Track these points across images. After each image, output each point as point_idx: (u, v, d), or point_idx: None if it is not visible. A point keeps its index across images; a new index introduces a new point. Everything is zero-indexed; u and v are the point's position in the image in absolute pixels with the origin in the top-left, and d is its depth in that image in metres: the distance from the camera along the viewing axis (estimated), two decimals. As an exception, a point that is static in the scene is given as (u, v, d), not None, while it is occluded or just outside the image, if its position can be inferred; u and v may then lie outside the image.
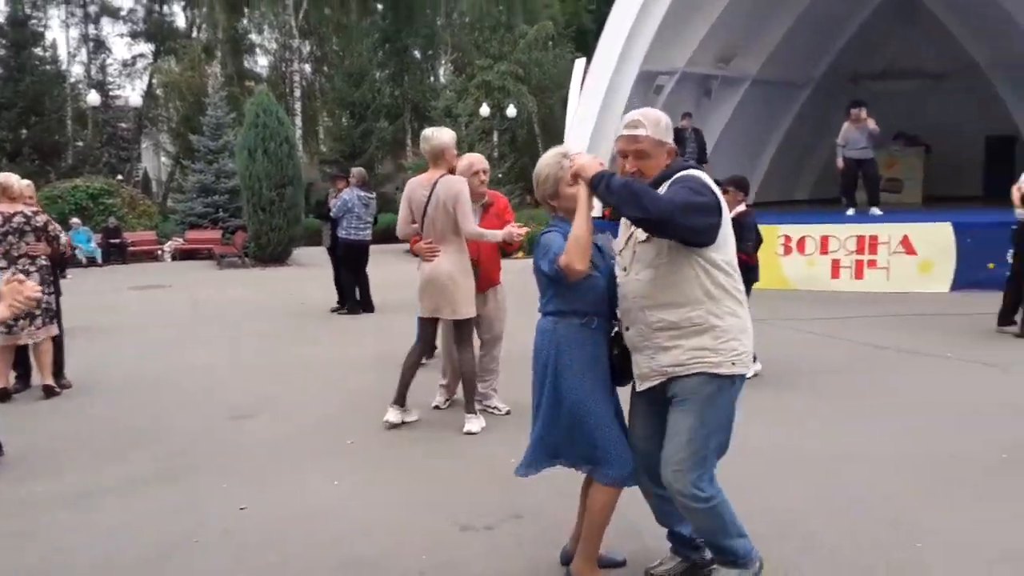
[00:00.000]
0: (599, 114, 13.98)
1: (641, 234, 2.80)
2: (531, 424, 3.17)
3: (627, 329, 2.92)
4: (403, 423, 5.35)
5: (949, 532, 3.55)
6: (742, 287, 2.84)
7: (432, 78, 36.81)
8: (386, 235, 20.99)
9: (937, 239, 10.33)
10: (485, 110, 26.95)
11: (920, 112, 16.10)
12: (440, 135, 5.23)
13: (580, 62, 16.00)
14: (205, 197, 21.85)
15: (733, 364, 2.76)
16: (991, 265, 10.11)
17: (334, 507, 4.04)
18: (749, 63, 15.50)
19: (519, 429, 5.00)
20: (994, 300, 9.29)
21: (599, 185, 2.73)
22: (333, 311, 10.50)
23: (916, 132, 15.78)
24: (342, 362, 7.47)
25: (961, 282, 10.20)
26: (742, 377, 2.84)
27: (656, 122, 2.81)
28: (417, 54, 36.84)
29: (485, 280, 5.46)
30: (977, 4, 14.53)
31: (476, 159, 5.46)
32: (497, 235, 5.07)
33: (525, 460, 3.18)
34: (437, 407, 5.78)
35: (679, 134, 13.80)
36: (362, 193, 10.15)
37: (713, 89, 15.44)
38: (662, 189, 2.74)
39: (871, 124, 11.64)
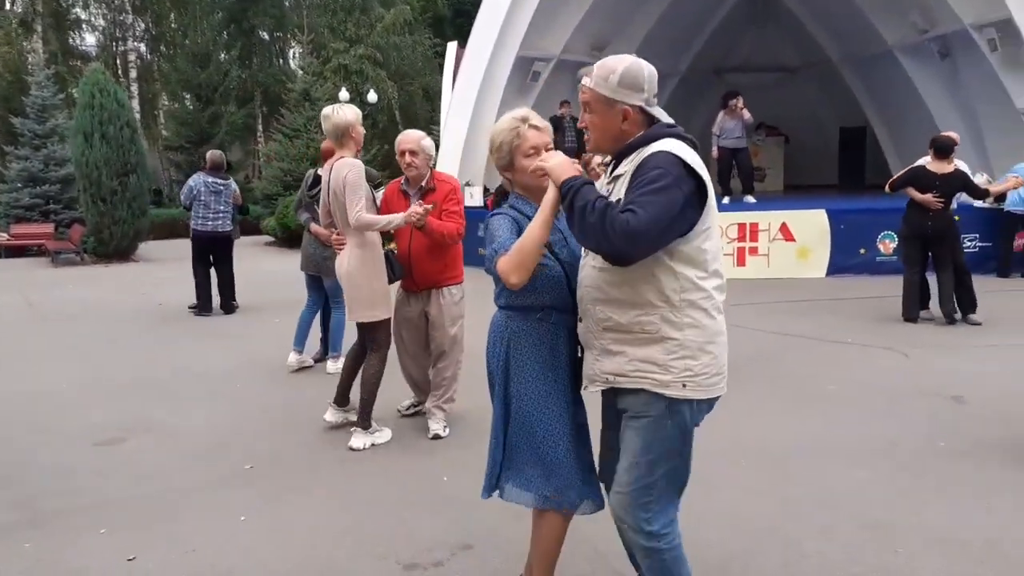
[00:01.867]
0: (476, 101, 13.59)
1: None
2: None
3: (580, 320, 2.46)
4: (346, 423, 4.95)
5: (927, 530, 3.41)
6: (719, 295, 2.29)
7: (282, 61, 35.21)
8: (249, 226, 19.81)
9: (813, 226, 10.67)
10: (344, 95, 25.87)
11: (779, 104, 16.77)
12: (342, 112, 4.64)
13: (452, 47, 15.51)
14: (33, 187, 19.43)
15: (684, 386, 2.23)
16: (863, 250, 10.59)
17: (245, 551, 3.38)
18: (622, 51, 15.38)
19: (462, 445, 4.61)
20: (867, 284, 9.76)
21: (564, 197, 2.22)
22: (191, 309, 9.47)
23: (776, 123, 16.45)
24: (217, 371, 6.63)
25: (835, 267, 10.58)
26: (708, 402, 2.31)
27: (605, 75, 2.26)
28: (265, 35, 35.00)
29: (422, 278, 4.78)
30: (830, 1, 15.29)
31: (401, 137, 4.75)
32: (392, 220, 4.48)
33: (485, 480, 2.73)
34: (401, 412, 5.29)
35: (557, 122, 13.64)
36: (211, 179, 8.99)
37: (588, 77, 15.37)
38: (625, 166, 2.26)
39: (746, 114, 11.90)
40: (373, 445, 4.65)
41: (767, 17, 17.67)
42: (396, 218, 4.48)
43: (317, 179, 6.45)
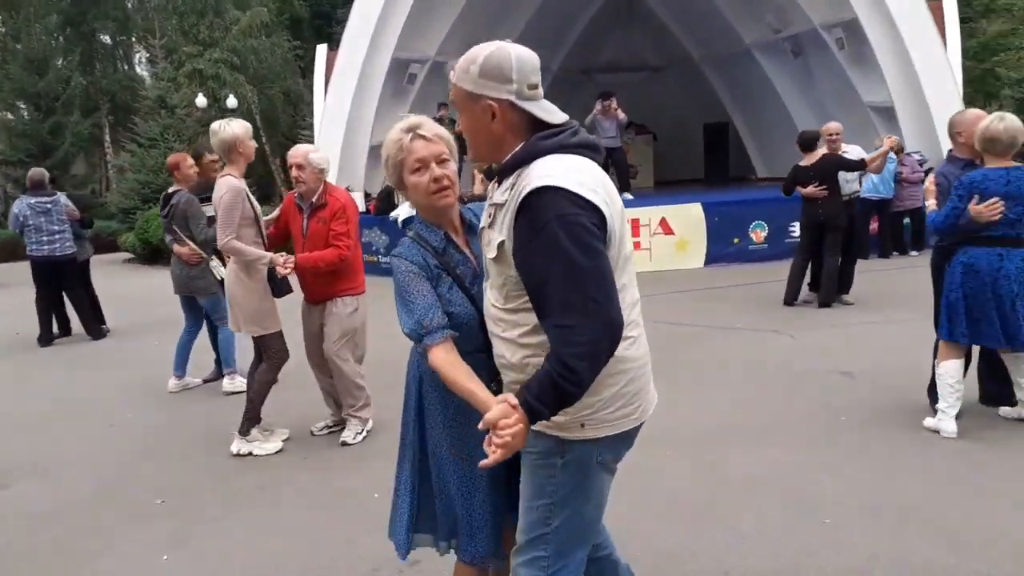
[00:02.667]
0: (352, 104, 13.29)
1: (491, 245, 1.91)
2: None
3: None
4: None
5: (848, 498, 3.61)
6: (626, 315, 1.83)
7: (127, 66, 33.20)
8: (105, 243, 18.47)
9: (690, 219, 11.11)
10: (202, 100, 24.70)
11: (645, 102, 17.36)
12: (229, 127, 4.51)
13: (322, 50, 15.10)
14: None
15: (582, 426, 1.90)
16: (736, 240, 11.14)
17: (179, 594, 3.14)
18: (494, 53, 15.65)
19: (387, 459, 4.36)
20: (742, 272, 10.27)
21: (531, 417, 1.77)
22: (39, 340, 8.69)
23: (643, 122, 17.01)
24: (99, 401, 6.13)
25: (712, 257, 11.07)
26: (620, 437, 1.97)
27: (466, 66, 1.87)
28: (107, 39, 32.84)
29: (315, 291, 4.71)
30: (691, 2, 16.01)
31: (291, 151, 4.65)
32: (262, 257, 4.48)
33: (396, 540, 2.41)
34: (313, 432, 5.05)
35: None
36: (34, 200, 8.21)
37: (463, 79, 15.37)
38: (505, 193, 1.85)
39: (620, 114, 12.24)
40: (251, 454, 4.65)
41: (632, 18, 18.29)
42: (264, 257, 4.48)
43: (169, 197, 6.21)
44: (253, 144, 4.61)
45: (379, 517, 3.68)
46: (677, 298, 8.96)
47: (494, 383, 2.07)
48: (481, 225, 2.01)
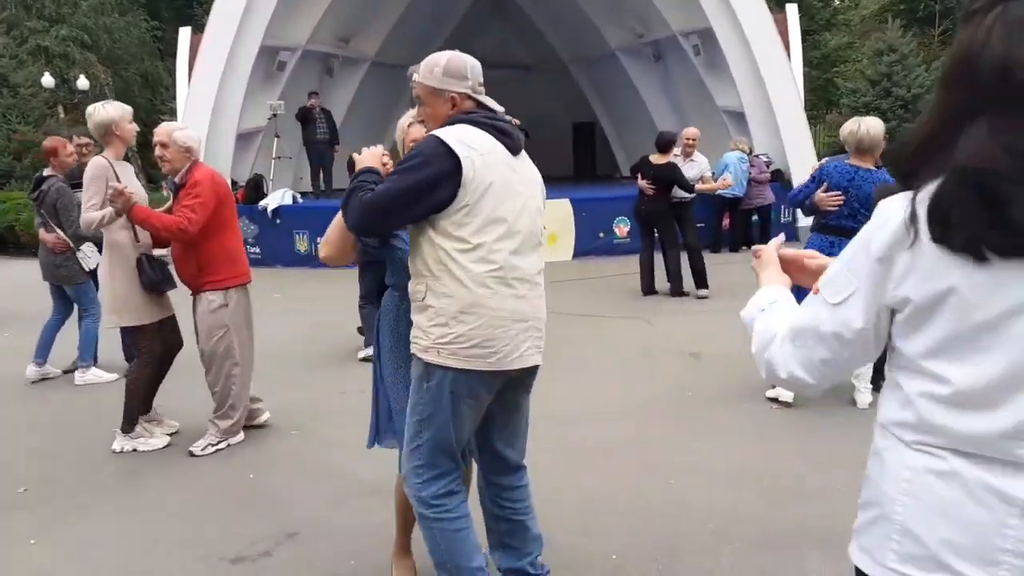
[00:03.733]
0: (218, 90, 12.91)
1: None
2: None
3: None
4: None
5: (692, 463, 4.05)
6: (481, 266, 2.34)
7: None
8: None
9: (559, 214, 11.57)
10: (48, 80, 23.09)
11: (517, 100, 17.53)
12: (104, 110, 4.41)
13: (185, 33, 14.56)
14: None
15: (438, 353, 2.36)
16: (602, 234, 11.71)
17: (48, 574, 3.14)
18: (368, 44, 15.61)
19: (257, 445, 4.52)
20: (608, 264, 10.81)
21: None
22: None
23: (515, 118, 17.43)
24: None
25: (580, 250, 11.59)
26: (477, 376, 2.38)
27: (431, 68, 2.47)
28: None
29: (184, 282, 4.44)
30: (559, 4, 16.54)
31: (157, 128, 4.39)
32: (105, 213, 4.21)
33: (370, 432, 2.89)
34: None
35: (307, 113, 13.39)
36: None
37: (335, 68, 15.23)
38: None
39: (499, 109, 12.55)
40: (135, 450, 4.48)
41: (503, 16, 18.66)
42: (107, 211, 4.20)
43: (40, 181, 5.97)
44: (132, 127, 4.47)
45: (257, 495, 3.82)
46: (548, 288, 9.27)
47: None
48: None
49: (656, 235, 8.60)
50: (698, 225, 11.82)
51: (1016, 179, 1.06)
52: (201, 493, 3.91)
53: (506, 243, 2.38)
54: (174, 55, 15.22)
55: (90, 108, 4.44)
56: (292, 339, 7.01)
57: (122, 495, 3.93)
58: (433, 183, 2.30)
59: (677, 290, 8.55)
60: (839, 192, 4.64)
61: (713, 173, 10.06)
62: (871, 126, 4.66)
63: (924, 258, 1.14)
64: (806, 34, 16.53)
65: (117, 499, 3.88)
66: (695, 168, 8.88)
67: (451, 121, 2.43)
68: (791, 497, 3.63)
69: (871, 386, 4.80)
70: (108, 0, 28.32)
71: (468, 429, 2.52)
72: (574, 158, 19.31)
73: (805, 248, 4.79)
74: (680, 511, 3.52)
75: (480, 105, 2.51)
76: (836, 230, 4.67)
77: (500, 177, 2.37)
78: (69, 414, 5.25)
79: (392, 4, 15.53)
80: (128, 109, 4.47)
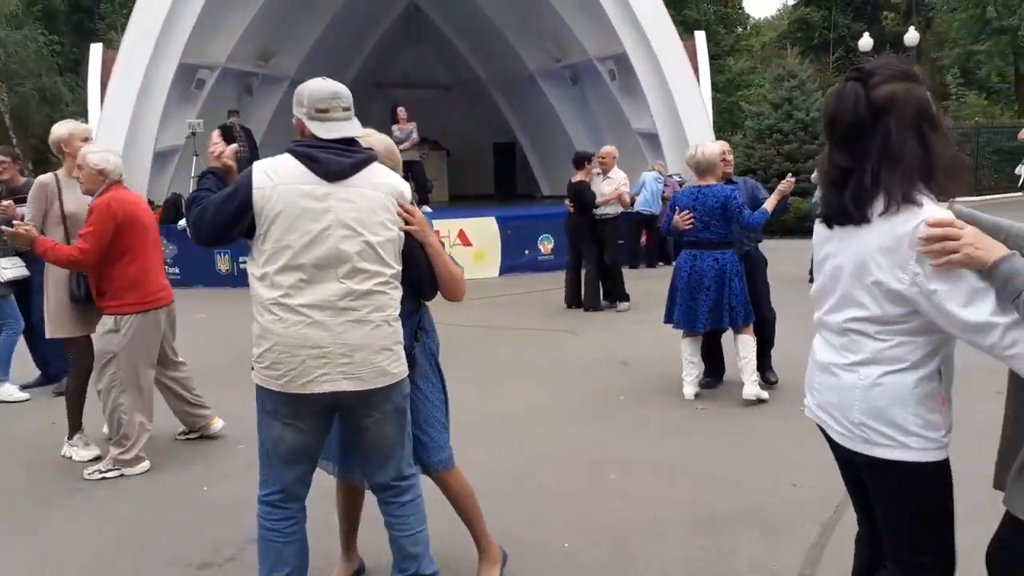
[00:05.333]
0: (134, 109, 12.66)
1: None
2: None
3: None
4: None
5: (627, 459, 4.36)
6: (272, 293, 2.44)
7: None
8: None
9: (485, 231, 11.85)
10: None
11: (438, 119, 18.03)
12: (56, 128, 4.55)
13: (97, 49, 14.18)
14: None
15: (252, 369, 2.52)
16: (527, 251, 12.03)
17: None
18: (288, 62, 15.55)
19: (207, 459, 4.59)
20: (533, 280, 11.14)
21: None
22: None
23: (436, 138, 17.68)
24: None
25: (506, 267, 11.88)
26: (282, 397, 2.49)
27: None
28: None
29: (97, 301, 4.32)
30: (477, 26, 16.91)
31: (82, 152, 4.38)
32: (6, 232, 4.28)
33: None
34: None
35: (228, 131, 13.20)
36: None
37: (255, 86, 15.12)
38: None
39: (412, 127, 12.81)
40: (71, 458, 4.55)
41: (421, 37, 18.91)
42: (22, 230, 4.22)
43: None
44: (80, 145, 4.46)
45: (214, 505, 3.90)
46: (478, 304, 9.54)
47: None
48: None
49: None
50: (619, 243, 12.33)
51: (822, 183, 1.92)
52: (156, 505, 3.96)
53: (292, 271, 2.43)
54: (73, 70, 14.80)
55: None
56: (227, 356, 6.97)
57: (76, 510, 3.94)
58: (238, 210, 2.44)
59: (591, 305, 8.91)
60: (687, 212, 5.21)
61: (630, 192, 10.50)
62: (705, 150, 5.30)
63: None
64: (712, 59, 17.38)
65: (74, 513, 3.89)
66: (611, 184, 9.05)
67: (286, 148, 2.54)
68: (719, 484, 3.97)
69: (757, 376, 5.28)
70: (3, 13, 27.15)
71: (289, 444, 2.55)
72: (495, 177, 19.68)
73: (677, 264, 5.26)
74: (623, 502, 3.80)
75: (313, 135, 2.50)
76: (695, 243, 5.28)
77: (291, 205, 2.42)
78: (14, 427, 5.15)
79: (312, 23, 15.56)
80: (81, 127, 4.56)
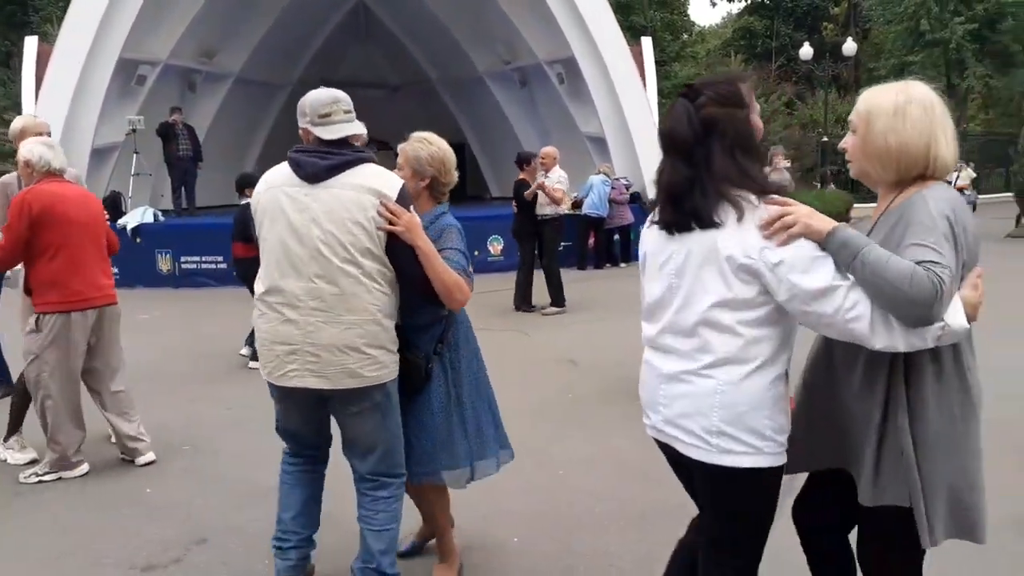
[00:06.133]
0: (71, 104, 12.31)
1: None
2: None
3: None
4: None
5: (574, 455, 4.44)
6: (260, 289, 2.67)
7: None
8: None
9: (433, 231, 11.81)
10: None
11: (385, 120, 17.80)
12: (12, 124, 4.49)
13: (32, 42, 13.75)
14: None
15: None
16: (477, 252, 12.03)
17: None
18: (232, 60, 15.32)
19: (150, 466, 4.42)
20: (484, 281, 11.02)
21: None
22: None
23: (385, 138, 17.56)
24: None
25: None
26: (271, 385, 2.76)
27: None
28: None
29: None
30: (427, 27, 16.89)
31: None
32: None
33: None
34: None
35: (169, 129, 12.96)
36: None
37: (198, 84, 14.84)
38: None
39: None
40: (6, 460, 4.43)
41: (369, 35, 18.78)
42: None
43: None
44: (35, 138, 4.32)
45: (158, 506, 3.83)
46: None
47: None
48: None
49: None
50: (565, 244, 12.42)
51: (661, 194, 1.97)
52: (97, 509, 3.87)
53: (272, 269, 2.60)
54: (5, 63, 14.33)
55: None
56: (169, 358, 6.89)
57: (14, 513, 3.82)
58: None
59: (521, 305, 8.99)
60: None
61: (577, 195, 10.62)
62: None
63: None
64: (658, 65, 17.66)
65: (11, 516, 3.77)
66: (549, 183, 9.17)
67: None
68: (663, 479, 4.02)
69: None
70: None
71: (283, 422, 2.87)
72: (444, 178, 19.67)
73: None
74: (570, 497, 3.87)
75: (318, 138, 2.63)
76: None
77: (273, 206, 2.60)
78: None
79: (258, 20, 15.35)
80: (33, 122, 4.45)
